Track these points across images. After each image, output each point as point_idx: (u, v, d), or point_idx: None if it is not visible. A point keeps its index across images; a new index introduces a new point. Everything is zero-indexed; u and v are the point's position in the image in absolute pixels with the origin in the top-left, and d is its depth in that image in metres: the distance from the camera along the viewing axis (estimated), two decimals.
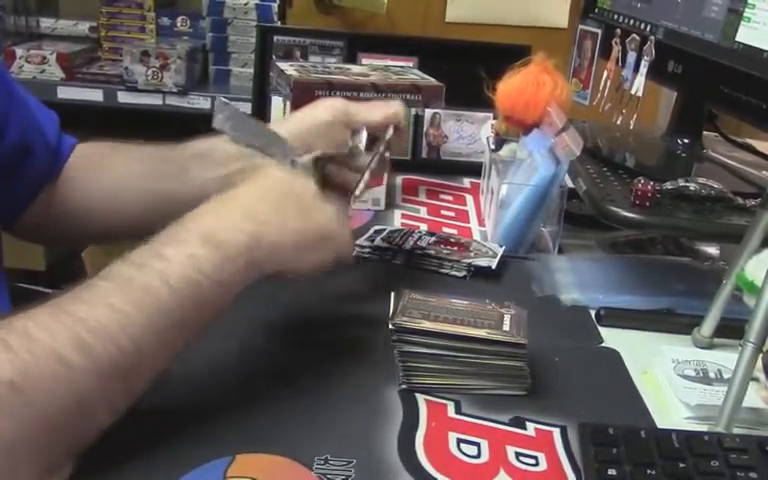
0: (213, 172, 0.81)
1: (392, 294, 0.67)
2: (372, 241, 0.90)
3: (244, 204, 0.61)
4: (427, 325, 0.63)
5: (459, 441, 0.58)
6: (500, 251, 0.90)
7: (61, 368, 0.48)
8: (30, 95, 0.85)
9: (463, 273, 0.86)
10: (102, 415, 0.51)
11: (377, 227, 0.95)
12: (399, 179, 1.15)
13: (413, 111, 1.18)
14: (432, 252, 0.88)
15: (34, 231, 0.88)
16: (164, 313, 0.53)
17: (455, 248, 0.90)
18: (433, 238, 0.93)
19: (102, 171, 0.87)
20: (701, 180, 0.82)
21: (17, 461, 0.46)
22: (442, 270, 0.86)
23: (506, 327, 0.64)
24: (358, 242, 0.88)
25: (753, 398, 0.63)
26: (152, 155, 0.87)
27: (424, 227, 0.99)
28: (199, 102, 2.02)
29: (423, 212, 1.06)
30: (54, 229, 0.89)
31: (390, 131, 0.82)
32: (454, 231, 0.99)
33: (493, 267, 0.86)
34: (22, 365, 0.47)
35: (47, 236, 0.93)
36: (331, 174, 0.76)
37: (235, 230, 0.58)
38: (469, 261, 0.86)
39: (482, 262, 0.86)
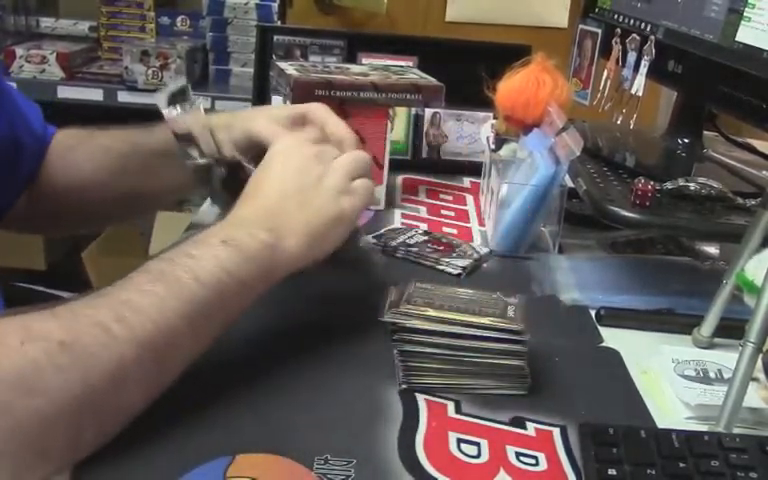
0: (176, 170, 0.81)
1: (391, 288, 0.67)
2: (379, 239, 0.92)
3: (258, 211, 0.66)
4: (432, 313, 0.63)
5: (459, 441, 0.58)
6: (482, 253, 0.90)
7: (104, 335, 0.51)
8: (12, 87, 0.85)
9: (458, 271, 0.86)
10: (135, 395, 0.53)
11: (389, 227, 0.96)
12: (399, 179, 1.15)
13: (413, 111, 1.18)
14: (416, 250, 0.89)
15: (21, 222, 0.88)
16: (194, 303, 0.56)
17: (441, 247, 0.91)
18: (423, 237, 0.93)
19: (75, 158, 0.88)
20: (701, 180, 0.82)
21: (60, 420, 0.48)
22: (438, 267, 0.87)
23: (510, 315, 0.64)
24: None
25: (753, 398, 0.63)
26: (118, 147, 0.87)
27: (424, 226, 0.99)
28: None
29: (423, 212, 1.06)
30: (38, 218, 0.89)
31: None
32: (454, 231, 0.99)
33: (462, 275, 0.86)
34: (69, 329, 0.51)
35: (32, 226, 0.93)
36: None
37: (252, 237, 0.62)
38: (447, 260, 0.87)
39: (452, 268, 0.86)
